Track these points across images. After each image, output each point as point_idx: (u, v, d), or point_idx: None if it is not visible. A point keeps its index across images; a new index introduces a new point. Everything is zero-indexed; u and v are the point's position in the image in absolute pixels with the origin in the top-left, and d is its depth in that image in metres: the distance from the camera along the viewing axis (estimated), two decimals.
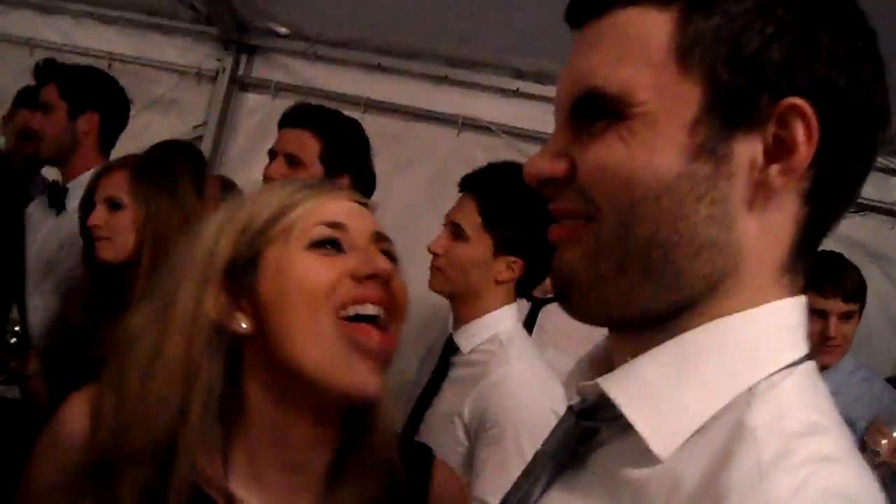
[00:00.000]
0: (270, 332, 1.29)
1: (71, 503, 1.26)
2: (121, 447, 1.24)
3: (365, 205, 1.42)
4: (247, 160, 4.65)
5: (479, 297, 2.46)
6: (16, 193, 1.77)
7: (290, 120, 2.94)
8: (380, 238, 1.38)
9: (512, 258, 2.42)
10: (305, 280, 1.29)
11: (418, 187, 4.24)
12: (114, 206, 2.57)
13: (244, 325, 1.30)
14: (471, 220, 2.42)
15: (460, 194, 2.52)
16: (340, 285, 1.28)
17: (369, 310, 1.30)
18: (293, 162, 2.82)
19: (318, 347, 1.27)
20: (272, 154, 2.89)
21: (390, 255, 1.38)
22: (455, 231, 2.44)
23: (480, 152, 4.38)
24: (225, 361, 1.30)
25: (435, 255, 2.46)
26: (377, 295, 1.31)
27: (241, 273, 1.31)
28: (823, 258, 3.17)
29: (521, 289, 2.51)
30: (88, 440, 1.28)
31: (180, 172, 2.72)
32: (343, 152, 2.94)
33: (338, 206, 1.36)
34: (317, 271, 1.29)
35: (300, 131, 2.88)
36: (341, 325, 1.27)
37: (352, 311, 1.29)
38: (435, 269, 2.47)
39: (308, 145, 2.86)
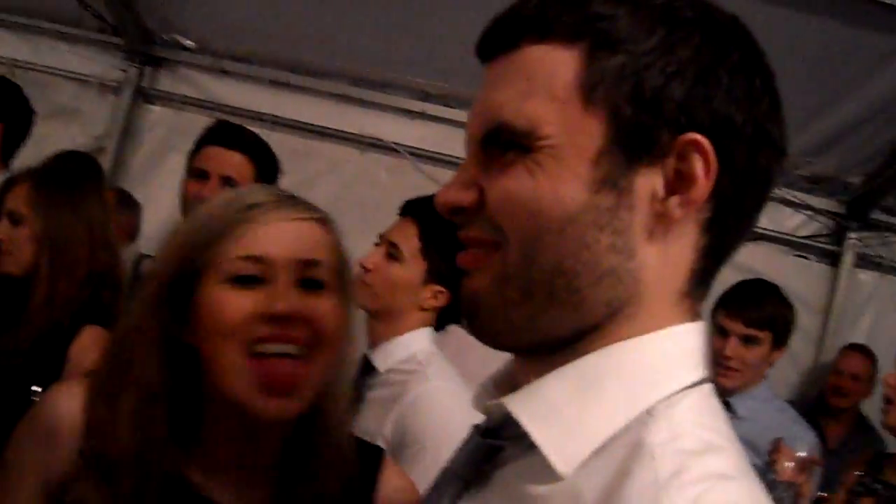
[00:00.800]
0: (201, 351, 1.36)
1: (69, 485, 1.34)
2: (113, 452, 1.33)
3: (319, 219, 1.44)
4: (148, 173, 4.62)
5: (401, 318, 2.47)
6: None
7: (222, 140, 2.89)
8: (307, 265, 1.38)
9: (440, 288, 2.44)
10: (217, 316, 1.33)
11: (322, 205, 4.18)
12: (15, 219, 2.54)
13: (191, 337, 1.37)
14: (410, 243, 2.44)
15: (399, 217, 2.54)
16: (250, 323, 1.32)
17: (277, 349, 1.33)
18: (230, 184, 2.78)
19: (230, 379, 1.32)
20: (200, 173, 2.84)
21: (316, 283, 1.38)
22: (391, 251, 2.46)
23: (384, 172, 4.43)
24: (183, 368, 1.37)
25: (365, 270, 2.47)
26: (285, 334, 1.33)
27: (185, 290, 1.36)
28: (748, 285, 3.34)
29: (441, 320, 2.54)
30: (82, 431, 1.35)
31: (84, 185, 2.69)
32: (272, 178, 2.94)
33: (266, 234, 1.37)
34: (227, 308, 1.33)
35: (236, 154, 2.85)
36: (250, 362, 1.31)
37: (260, 348, 1.32)
38: (363, 283, 2.45)
39: (244, 169, 2.84)
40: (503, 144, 0.90)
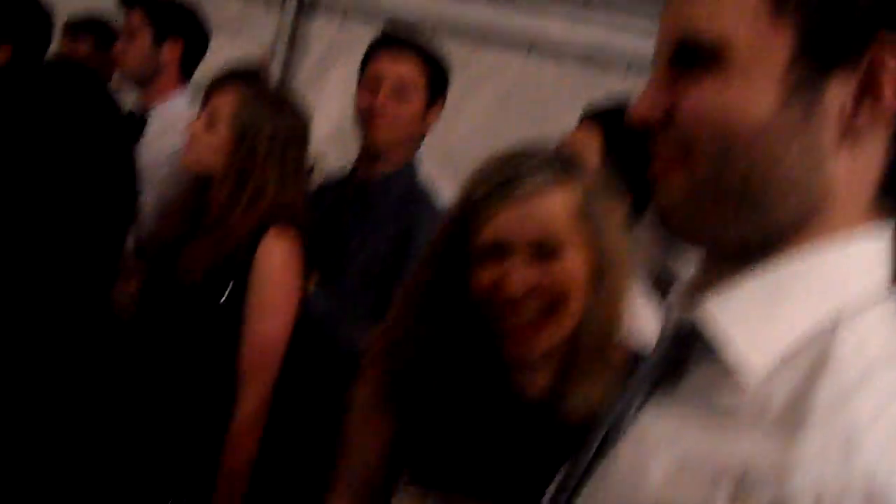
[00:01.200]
0: None
1: None
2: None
3: (557, 184, 1.62)
4: (314, 84, 4.66)
5: None
6: (120, 118, 1.84)
7: (392, 47, 2.90)
8: (539, 243, 1.61)
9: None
10: (476, 285, 1.64)
11: (485, 111, 4.22)
12: (212, 121, 2.59)
13: None
14: (590, 150, 2.43)
15: (580, 123, 2.55)
16: (492, 297, 1.62)
17: (515, 321, 1.61)
18: (402, 92, 2.82)
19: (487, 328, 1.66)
20: (372, 81, 2.86)
21: (551, 251, 1.61)
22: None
23: (548, 76, 4.35)
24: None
25: None
26: (521, 307, 1.60)
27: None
28: None
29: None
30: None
31: (284, 103, 2.72)
32: (443, 84, 2.94)
33: (499, 221, 1.61)
34: (477, 283, 1.64)
35: (406, 60, 2.86)
36: (494, 326, 1.63)
37: (502, 321, 1.62)
38: None
39: (415, 74, 2.86)
40: (693, 59, 0.91)
